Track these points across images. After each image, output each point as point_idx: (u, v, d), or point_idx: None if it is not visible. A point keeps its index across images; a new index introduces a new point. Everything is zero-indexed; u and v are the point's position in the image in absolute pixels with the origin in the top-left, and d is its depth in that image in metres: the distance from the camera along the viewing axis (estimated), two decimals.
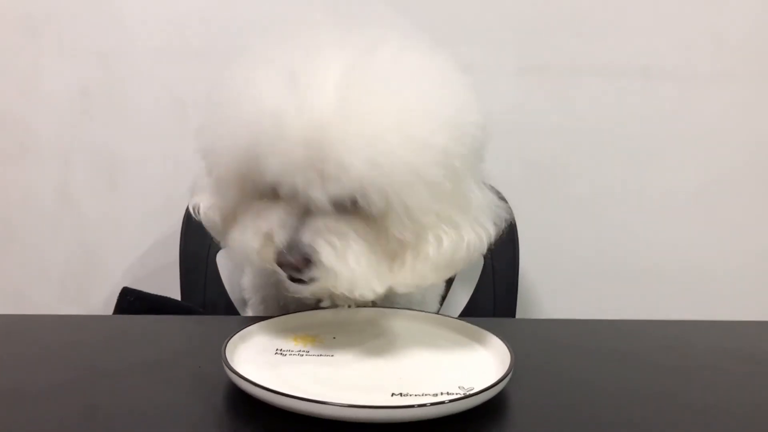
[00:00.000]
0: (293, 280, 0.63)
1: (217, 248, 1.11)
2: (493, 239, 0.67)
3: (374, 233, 0.61)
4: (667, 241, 1.29)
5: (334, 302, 0.67)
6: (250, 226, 0.63)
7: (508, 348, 0.61)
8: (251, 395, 0.53)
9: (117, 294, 1.01)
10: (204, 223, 0.70)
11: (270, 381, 0.53)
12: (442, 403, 0.51)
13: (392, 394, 0.55)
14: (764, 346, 0.77)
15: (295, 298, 0.67)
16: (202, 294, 1.12)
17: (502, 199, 0.70)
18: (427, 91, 0.61)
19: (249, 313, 0.88)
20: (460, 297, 1.16)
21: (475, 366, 0.62)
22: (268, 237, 0.62)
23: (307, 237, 0.60)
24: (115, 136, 1.26)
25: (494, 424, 0.54)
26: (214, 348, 0.59)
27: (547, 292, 1.31)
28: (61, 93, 1.24)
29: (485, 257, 0.80)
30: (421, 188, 0.59)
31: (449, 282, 1.00)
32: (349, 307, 0.70)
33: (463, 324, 0.69)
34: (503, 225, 0.68)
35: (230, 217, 0.67)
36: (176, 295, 1.12)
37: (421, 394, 0.55)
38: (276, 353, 0.63)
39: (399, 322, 0.71)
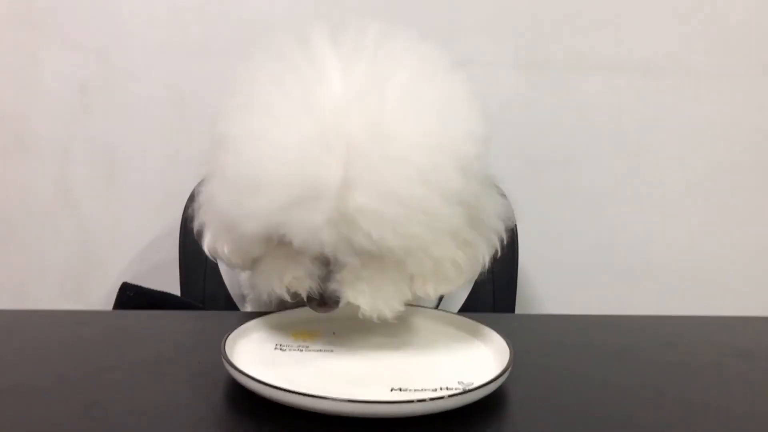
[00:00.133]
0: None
1: None
2: (504, 240, 0.68)
3: (394, 266, 0.62)
4: (666, 237, 1.29)
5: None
6: (275, 274, 0.63)
7: (507, 343, 0.61)
8: (251, 390, 0.53)
9: (116, 289, 1.01)
10: (225, 264, 0.70)
11: (269, 376, 0.53)
12: (442, 398, 0.51)
13: (392, 389, 0.55)
14: (762, 342, 0.77)
15: None
16: (201, 289, 1.12)
17: (503, 195, 0.70)
18: (446, 144, 0.59)
19: (248, 308, 0.88)
20: (460, 292, 1.16)
21: (474, 361, 0.62)
22: (295, 282, 0.62)
23: (334, 285, 0.61)
24: (114, 132, 1.26)
25: (493, 419, 0.54)
26: (214, 343, 0.59)
27: (547, 287, 1.31)
28: (60, 88, 1.24)
29: None
30: (444, 236, 0.60)
31: None
32: None
33: (463, 319, 0.69)
34: (511, 224, 0.69)
35: (252, 259, 0.67)
36: (176, 290, 1.12)
37: (420, 389, 0.55)
38: (275, 348, 0.63)
39: (398, 317, 0.71)
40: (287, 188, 0.55)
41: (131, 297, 0.99)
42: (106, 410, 0.53)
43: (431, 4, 1.22)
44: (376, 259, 0.60)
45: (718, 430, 0.54)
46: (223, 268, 1.14)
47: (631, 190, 1.29)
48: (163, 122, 1.25)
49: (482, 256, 0.66)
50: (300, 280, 0.62)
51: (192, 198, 1.12)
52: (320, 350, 0.63)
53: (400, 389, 0.55)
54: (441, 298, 0.91)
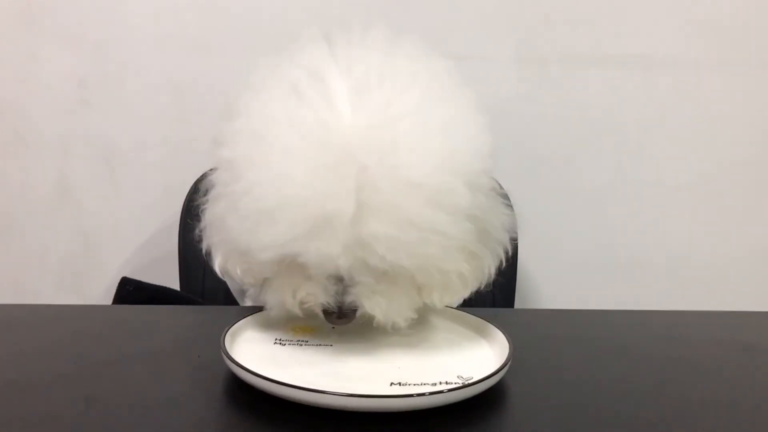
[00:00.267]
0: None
1: None
2: (509, 251, 0.69)
3: (405, 279, 0.62)
4: (666, 233, 1.30)
5: None
6: (288, 291, 0.63)
7: (506, 338, 0.61)
8: (250, 385, 0.53)
9: (116, 284, 1.01)
10: (237, 283, 0.71)
11: (269, 370, 0.53)
12: (441, 392, 0.51)
13: (391, 384, 0.55)
14: (763, 337, 0.77)
15: None
16: (200, 284, 1.12)
17: (508, 206, 0.70)
18: (456, 164, 0.59)
19: (248, 303, 0.88)
20: None
21: (473, 356, 0.62)
22: (310, 298, 0.63)
23: (351, 298, 0.61)
24: (113, 127, 1.25)
25: (493, 413, 0.54)
26: (213, 338, 0.59)
27: (546, 282, 1.31)
28: (59, 83, 1.24)
29: None
30: (454, 252, 0.61)
31: None
32: None
33: (462, 314, 0.69)
34: (515, 235, 0.69)
35: (264, 278, 0.67)
36: (175, 285, 1.12)
37: (420, 383, 0.55)
38: (275, 343, 0.63)
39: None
40: (302, 219, 0.55)
41: (130, 291, 0.99)
42: (105, 404, 0.53)
43: (432, 1, 1.22)
44: (389, 275, 0.60)
45: (718, 425, 0.54)
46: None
47: (630, 186, 1.29)
48: (162, 117, 1.25)
49: (488, 267, 0.66)
50: (314, 295, 0.62)
51: (191, 194, 1.13)
52: (319, 345, 0.63)
53: (400, 384, 0.55)
54: None
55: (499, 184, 0.69)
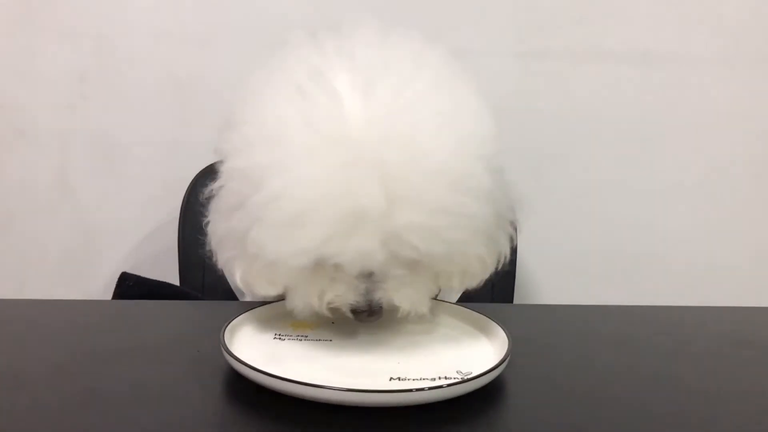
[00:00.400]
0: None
1: None
2: (518, 231, 0.69)
3: (426, 266, 0.62)
4: (665, 228, 1.30)
5: None
6: (315, 295, 0.62)
7: (505, 333, 0.61)
8: (250, 379, 0.53)
9: (116, 279, 1.01)
10: (260, 296, 0.69)
11: (268, 365, 0.53)
12: (440, 387, 0.51)
13: (390, 379, 0.55)
14: (761, 332, 0.77)
15: None
16: (200, 279, 1.12)
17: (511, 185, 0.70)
18: (473, 147, 0.59)
19: (248, 298, 0.88)
20: None
21: (473, 351, 0.62)
22: (337, 299, 0.62)
23: (380, 294, 0.61)
24: (113, 121, 1.25)
25: (492, 408, 0.54)
26: (213, 332, 0.59)
27: (545, 277, 1.31)
28: (59, 78, 1.24)
29: None
30: (478, 235, 0.61)
31: None
32: None
33: (461, 309, 0.69)
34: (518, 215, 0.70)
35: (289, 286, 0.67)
36: (175, 280, 1.12)
37: (419, 378, 0.55)
38: (274, 338, 0.63)
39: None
40: (335, 220, 0.54)
41: (130, 286, 0.99)
42: (104, 398, 0.53)
43: None
44: (415, 264, 0.60)
45: (716, 418, 0.54)
46: (214, 255, 1.14)
47: (630, 181, 1.29)
48: (162, 111, 1.25)
49: (503, 249, 0.67)
50: (342, 296, 0.62)
51: (191, 189, 1.13)
52: (319, 340, 0.63)
53: (399, 378, 0.55)
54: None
55: None
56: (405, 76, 0.59)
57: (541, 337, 0.71)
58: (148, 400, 0.54)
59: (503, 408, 0.55)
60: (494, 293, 1.13)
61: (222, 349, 0.56)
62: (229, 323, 0.61)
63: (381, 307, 0.62)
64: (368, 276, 0.60)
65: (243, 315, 0.65)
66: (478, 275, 0.66)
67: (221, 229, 0.65)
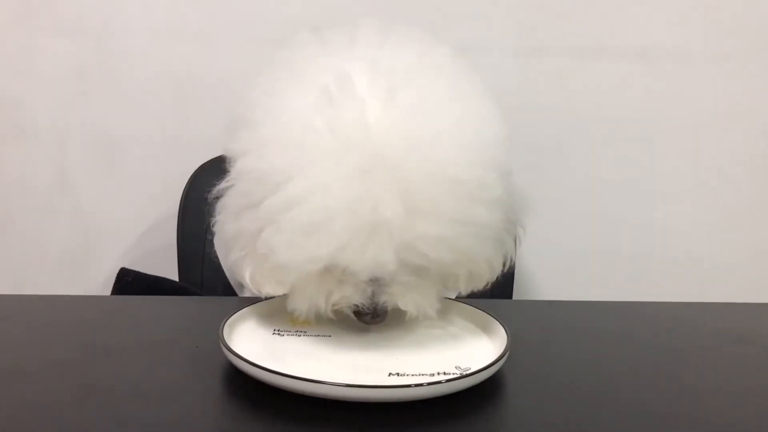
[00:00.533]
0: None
1: None
2: (524, 232, 0.69)
3: (435, 271, 0.62)
4: (664, 225, 1.29)
5: None
6: (321, 296, 0.62)
7: (504, 329, 0.61)
8: (249, 375, 0.53)
9: (115, 275, 1.01)
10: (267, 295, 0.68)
11: (267, 361, 0.53)
12: (439, 382, 0.52)
13: (389, 374, 0.55)
14: (759, 328, 0.77)
15: None
16: (199, 274, 1.12)
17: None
18: (486, 155, 0.60)
19: (246, 293, 0.88)
20: None
21: (472, 347, 0.62)
22: (343, 301, 0.62)
23: (385, 297, 0.61)
24: (112, 117, 1.25)
25: (491, 403, 0.54)
26: (212, 328, 0.59)
27: (544, 274, 1.31)
28: (58, 74, 1.23)
29: None
30: (489, 241, 0.61)
31: None
32: None
33: (461, 305, 0.69)
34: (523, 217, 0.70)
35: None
36: (174, 275, 1.12)
37: (418, 373, 0.55)
38: (273, 333, 0.63)
39: None
40: (352, 230, 0.54)
41: (129, 282, 0.99)
42: (103, 393, 0.53)
43: None
44: (422, 269, 0.60)
45: (715, 415, 0.54)
46: (221, 254, 1.14)
47: (629, 178, 1.28)
48: (161, 108, 1.25)
49: (510, 251, 0.67)
50: (348, 298, 0.61)
51: (190, 185, 1.13)
52: (318, 335, 0.63)
53: (398, 374, 0.55)
54: None
55: None
56: (426, 83, 0.59)
57: (540, 333, 0.71)
58: (147, 396, 0.54)
59: (502, 404, 0.55)
60: (493, 289, 1.13)
61: (221, 344, 0.56)
62: (228, 319, 0.61)
63: (385, 311, 0.62)
64: (375, 279, 0.60)
65: (242, 311, 0.65)
66: (485, 278, 0.66)
67: (230, 228, 0.64)
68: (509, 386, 0.57)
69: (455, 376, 0.53)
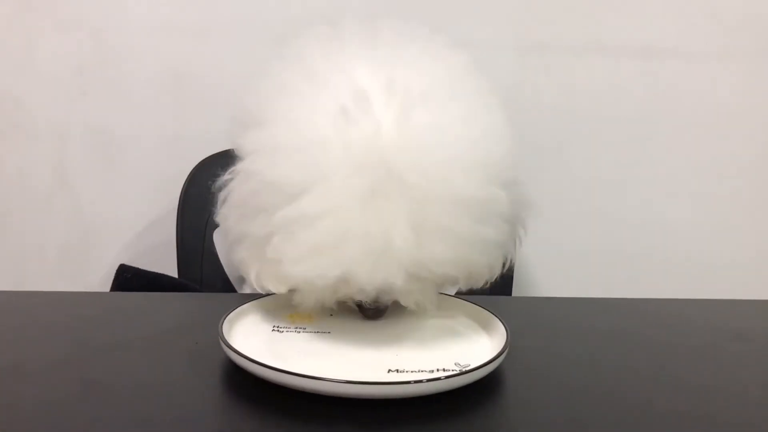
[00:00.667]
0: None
1: (214, 225, 1.11)
2: (525, 234, 0.70)
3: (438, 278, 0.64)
4: (664, 222, 1.30)
5: None
6: (327, 293, 0.62)
7: (504, 325, 0.61)
8: (248, 371, 0.53)
9: (114, 271, 1.01)
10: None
11: (266, 357, 0.53)
12: (439, 379, 0.52)
13: (389, 371, 0.55)
14: (757, 324, 0.77)
15: None
16: (198, 271, 1.12)
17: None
18: (495, 171, 0.60)
19: (246, 290, 0.88)
20: None
21: (471, 343, 0.62)
22: (348, 297, 0.63)
23: (387, 297, 0.62)
24: (111, 114, 1.25)
25: (490, 400, 0.54)
26: (211, 324, 0.59)
27: (544, 271, 1.31)
28: (56, 71, 1.23)
29: None
30: (490, 253, 0.63)
31: None
32: None
33: (460, 302, 0.69)
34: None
35: None
36: (173, 272, 1.12)
37: (417, 370, 0.55)
38: (273, 330, 0.63)
39: None
40: (365, 253, 0.56)
41: (128, 279, 0.99)
42: (103, 390, 0.53)
43: None
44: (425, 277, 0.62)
45: (713, 411, 0.54)
46: (220, 251, 1.14)
47: (629, 176, 1.28)
48: (160, 104, 1.25)
49: (510, 253, 0.67)
50: (353, 296, 0.62)
51: (189, 181, 1.13)
52: (317, 332, 0.63)
53: (397, 370, 0.55)
54: None
55: None
56: (441, 102, 0.59)
57: (539, 329, 0.71)
58: (147, 392, 0.54)
59: (501, 400, 0.55)
60: (492, 287, 1.13)
61: (220, 341, 0.56)
62: (228, 315, 0.61)
63: (387, 307, 0.64)
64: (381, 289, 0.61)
65: (241, 307, 0.65)
66: (484, 278, 0.67)
67: (236, 226, 0.64)
68: (508, 383, 0.57)
69: (454, 372, 0.53)
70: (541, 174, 1.27)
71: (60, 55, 1.23)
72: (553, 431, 0.50)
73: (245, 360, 0.53)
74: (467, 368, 0.54)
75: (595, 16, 1.23)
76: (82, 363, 0.59)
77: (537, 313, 0.78)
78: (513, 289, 1.17)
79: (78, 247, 1.29)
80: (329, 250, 0.56)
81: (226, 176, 0.65)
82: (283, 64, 0.65)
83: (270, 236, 0.59)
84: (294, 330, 0.63)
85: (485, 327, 0.64)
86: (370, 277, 0.57)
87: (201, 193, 1.11)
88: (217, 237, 1.13)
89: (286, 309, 0.67)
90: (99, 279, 1.28)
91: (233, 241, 0.66)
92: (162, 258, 1.21)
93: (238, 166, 0.63)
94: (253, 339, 0.60)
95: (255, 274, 0.65)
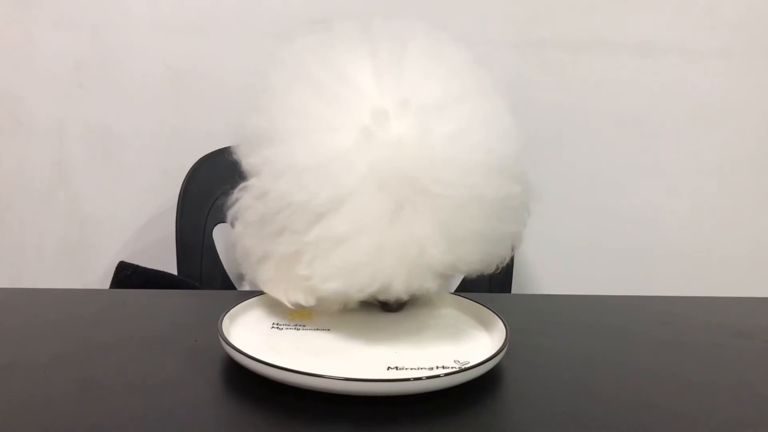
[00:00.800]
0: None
1: (214, 222, 1.11)
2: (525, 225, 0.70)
3: None
4: (663, 219, 1.30)
5: None
6: (355, 299, 0.63)
7: (503, 322, 0.61)
8: (247, 368, 0.53)
9: (113, 268, 1.01)
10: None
11: (266, 354, 0.53)
12: (438, 376, 0.52)
13: (388, 368, 0.55)
14: (757, 322, 0.77)
15: None
16: (198, 268, 1.12)
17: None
18: (508, 169, 0.61)
19: (245, 287, 0.88)
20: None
21: (470, 340, 0.62)
22: (371, 298, 0.64)
23: (406, 295, 0.62)
24: (110, 110, 1.25)
25: (489, 397, 0.54)
26: (211, 321, 0.59)
27: (543, 268, 1.31)
28: (56, 67, 1.23)
29: None
30: (506, 245, 0.64)
31: None
32: None
33: (459, 299, 0.69)
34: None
35: None
36: (172, 269, 1.12)
37: (416, 367, 0.55)
38: (272, 327, 0.63)
39: None
40: (395, 266, 0.57)
41: (128, 276, 0.99)
42: (102, 387, 0.53)
43: None
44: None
45: (713, 409, 0.55)
46: (220, 248, 1.14)
47: (629, 172, 1.28)
48: (159, 101, 1.24)
49: (512, 245, 0.67)
50: (376, 296, 0.63)
51: (189, 178, 1.13)
52: (317, 329, 0.63)
53: (397, 368, 0.55)
54: None
55: None
56: (454, 107, 0.60)
57: (538, 327, 0.71)
58: (146, 390, 0.54)
59: (501, 397, 0.55)
60: (492, 283, 1.13)
61: (220, 338, 0.56)
62: (227, 312, 0.61)
63: (405, 302, 0.66)
64: None
65: (241, 304, 0.65)
66: (497, 264, 0.67)
67: (257, 245, 0.64)
68: (508, 380, 0.57)
69: (454, 369, 0.53)
70: (540, 170, 1.26)
71: (59, 51, 1.22)
72: (552, 428, 0.50)
73: (245, 357, 0.53)
74: (467, 365, 0.54)
75: (595, 13, 1.23)
76: (82, 360, 0.59)
77: (536, 311, 0.78)
78: (512, 286, 1.17)
79: (77, 243, 1.29)
80: (364, 267, 0.57)
81: (236, 192, 0.65)
82: (285, 76, 0.64)
83: (299, 254, 0.59)
84: (293, 327, 0.63)
85: (485, 324, 0.64)
86: (406, 286, 0.59)
87: (201, 189, 1.11)
88: (217, 234, 1.13)
89: (286, 306, 0.66)
90: (98, 276, 1.28)
91: (257, 261, 0.65)
92: (161, 255, 1.21)
93: (250, 183, 0.63)
94: (253, 336, 0.60)
95: (284, 291, 0.64)
